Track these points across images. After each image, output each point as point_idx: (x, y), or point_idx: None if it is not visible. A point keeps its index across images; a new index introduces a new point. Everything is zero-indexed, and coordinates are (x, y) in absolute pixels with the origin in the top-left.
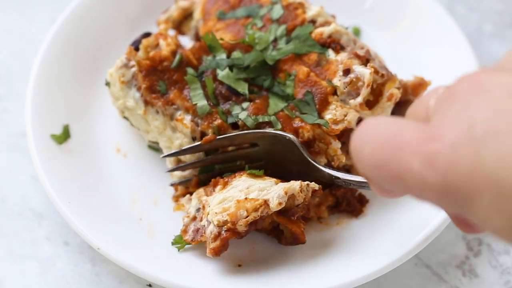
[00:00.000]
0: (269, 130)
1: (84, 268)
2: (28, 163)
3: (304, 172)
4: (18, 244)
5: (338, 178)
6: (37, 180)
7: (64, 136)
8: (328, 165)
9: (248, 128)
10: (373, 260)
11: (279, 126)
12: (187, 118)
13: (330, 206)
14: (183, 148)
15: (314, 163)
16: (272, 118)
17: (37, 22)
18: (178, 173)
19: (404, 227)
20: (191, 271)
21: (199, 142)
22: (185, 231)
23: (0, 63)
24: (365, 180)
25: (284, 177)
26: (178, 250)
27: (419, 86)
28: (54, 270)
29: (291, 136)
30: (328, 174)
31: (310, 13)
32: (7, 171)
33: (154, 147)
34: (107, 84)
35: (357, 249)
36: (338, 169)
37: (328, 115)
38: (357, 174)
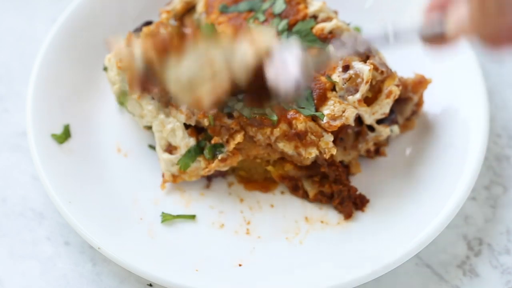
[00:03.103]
0: None
1: (85, 268)
2: (29, 163)
3: None
4: (18, 244)
5: None
6: (37, 180)
7: (64, 135)
8: (320, 157)
9: (244, 119)
10: (373, 260)
11: (275, 118)
12: (183, 106)
13: (325, 194)
14: None
15: None
16: (267, 109)
17: (38, 22)
18: (166, 159)
19: (404, 227)
20: (191, 271)
21: None
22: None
23: (1, 63)
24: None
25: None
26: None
27: (419, 83)
28: (55, 270)
29: None
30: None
31: (312, 9)
32: (7, 171)
33: (155, 147)
34: (105, 69)
35: (357, 249)
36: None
37: (326, 111)
38: (356, 171)
